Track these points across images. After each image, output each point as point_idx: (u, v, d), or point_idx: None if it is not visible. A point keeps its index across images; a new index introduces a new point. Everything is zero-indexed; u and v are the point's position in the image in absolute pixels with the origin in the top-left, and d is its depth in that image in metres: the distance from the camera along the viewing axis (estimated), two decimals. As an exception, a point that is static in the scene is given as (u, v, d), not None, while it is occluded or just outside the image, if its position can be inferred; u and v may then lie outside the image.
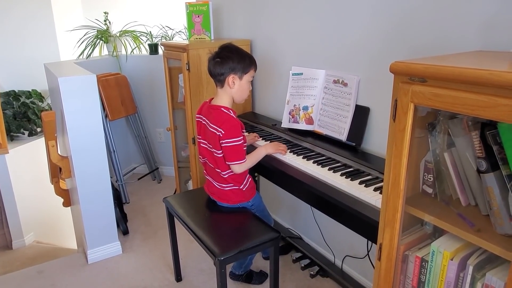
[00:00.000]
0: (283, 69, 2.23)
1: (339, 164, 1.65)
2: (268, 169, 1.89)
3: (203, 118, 1.71)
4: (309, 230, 2.33)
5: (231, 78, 1.63)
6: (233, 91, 1.67)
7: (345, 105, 1.80)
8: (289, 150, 1.82)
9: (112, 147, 2.92)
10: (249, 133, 2.12)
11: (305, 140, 1.92)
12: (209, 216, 1.76)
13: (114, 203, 2.45)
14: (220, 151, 1.63)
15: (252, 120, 2.34)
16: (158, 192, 3.21)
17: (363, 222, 1.39)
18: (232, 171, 1.68)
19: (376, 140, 1.70)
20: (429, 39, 1.40)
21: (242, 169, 1.65)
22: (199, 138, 1.76)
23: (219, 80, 1.65)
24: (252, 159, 1.71)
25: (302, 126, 2.01)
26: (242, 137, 1.62)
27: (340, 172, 1.55)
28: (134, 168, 3.56)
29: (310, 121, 1.98)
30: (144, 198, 3.12)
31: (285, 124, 2.09)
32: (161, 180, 3.43)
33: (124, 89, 3.10)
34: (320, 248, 2.26)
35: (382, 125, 1.67)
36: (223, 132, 1.58)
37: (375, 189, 1.39)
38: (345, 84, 1.79)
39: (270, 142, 1.94)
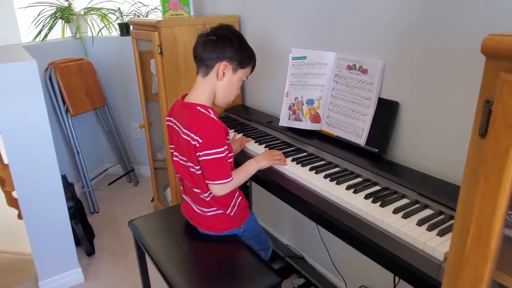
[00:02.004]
0: (280, 51, 1.78)
1: (359, 179, 1.23)
2: (265, 181, 1.46)
3: (175, 121, 1.27)
4: (314, 249, 1.92)
5: (222, 66, 1.19)
6: (219, 85, 1.22)
7: (363, 99, 1.36)
8: (290, 158, 1.39)
9: (75, 147, 2.45)
10: (235, 133, 1.68)
11: (309, 143, 1.49)
12: (187, 250, 1.33)
13: (74, 218, 2.01)
14: (198, 166, 1.19)
15: (242, 116, 1.90)
16: (134, 198, 2.77)
17: (394, 261, 0.98)
18: None
19: (408, 146, 1.28)
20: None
21: (226, 190, 1.22)
22: (172, 148, 1.31)
23: (205, 64, 1.20)
24: (240, 177, 1.28)
25: (306, 124, 1.57)
26: (226, 147, 1.18)
27: (363, 193, 1.13)
28: (107, 169, 3.10)
29: (316, 118, 1.55)
30: (117, 206, 2.67)
31: (284, 121, 1.65)
32: (138, 182, 2.98)
33: (90, 77, 2.61)
34: (327, 272, 1.85)
35: (418, 126, 1.24)
36: (200, 141, 1.14)
37: (420, 223, 0.97)
38: (364, 71, 1.35)
39: (266, 147, 1.50)
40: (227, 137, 1.23)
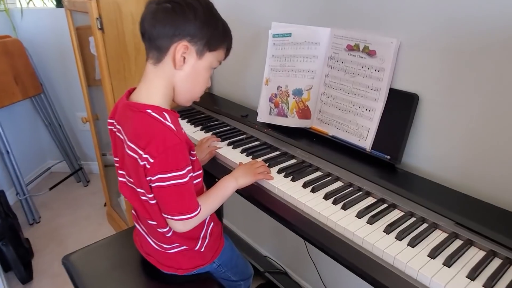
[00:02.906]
0: (256, 26, 1.41)
1: (370, 199, 0.93)
2: (242, 195, 1.13)
3: (118, 127, 0.90)
4: (300, 262, 1.63)
5: (181, 48, 0.80)
6: (179, 76, 0.85)
7: (370, 89, 1.05)
8: (276, 169, 1.06)
9: (4, 146, 1.99)
10: (203, 131, 1.32)
11: (297, 144, 1.17)
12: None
13: (2, 239, 1.60)
14: (151, 195, 0.84)
15: (210, 108, 1.53)
16: (84, 201, 2.36)
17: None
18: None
19: (431, 153, 0.98)
20: None
21: (192, 225, 0.88)
22: (117, 162, 0.94)
23: (156, 46, 0.82)
24: (212, 204, 0.93)
25: (293, 121, 1.24)
26: (189, 167, 0.83)
27: (381, 223, 0.83)
28: (49, 167, 2.64)
29: (305, 113, 1.22)
30: (63, 213, 2.25)
31: (264, 116, 1.31)
32: (88, 181, 2.56)
33: (19, 59, 2.12)
34: (316, 291, 1.58)
35: (444, 127, 0.95)
36: (151, 161, 0.78)
37: (472, 274, 0.69)
38: (372, 53, 1.03)
39: (244, 152, 1.16)
40: (192, 152, 0.88)
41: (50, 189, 2.40)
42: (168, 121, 0.81)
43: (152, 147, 0.77)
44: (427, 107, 0.97)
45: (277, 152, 1.17)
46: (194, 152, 0.88)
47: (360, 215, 0.86)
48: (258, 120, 1.31)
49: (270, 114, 1.28)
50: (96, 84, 1.81)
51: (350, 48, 1.08)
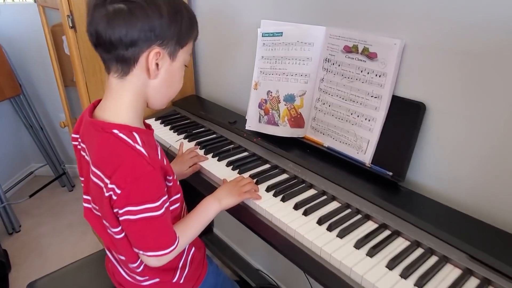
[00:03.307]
0: (245, 23, 1.29)
1: (370, 225, 0.81)
2: (231, 214, 1.01)
3: (83, 145, 0.77)
4: (294, 277, 1.52)
5: (153, 55, 0.67)
6: (153, 85, 0.72)
7: (370, 96, 0.93)
8: (265, 186, 0.94)
9: (-21, 151, 1.86)
10: (187, 139, 1.20)
11: (289, 156, 1.05)
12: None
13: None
14: (118, 228, 0.72)
15: (195, 112, 1.41)
16: (67, 208, 2.23)
17: None
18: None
19: (439, 170, 0.87)
20: None
21: (167, 259, 0.75)
22: (83, 182, 0.82)
23: (120, 58, 0.67)
24: (191, 231, 0.81)
25: (284, 131, 1.12)
26: (164, 198, 0.70)
27: (383, 256, 0.72)
28: (32, 171, 2.51)
29: (298, 121, 1.10)
30: (45, 221, 2.13)
31: (253, 124, 1.19)
32: (73, 186, 2.43)
33: (-5, 58, 1.99)
34: (311, 310, 1.47)
35: (455, 140, 0.83)
36: (118, 192, 0.66)
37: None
38: (372, 56, 0.91)
39: (230, 166, 1.04)
40: (168, 177, 0.76)
41: (30, 196, 2.27)
42: (138, 143, 0.68)
43: (119, 176, 0.65)
44: (435, 118, 0.85)
45: (267, 165, 1.05)
46: (171, 177, 0.76)
47: (358, 245, 0.75)
48: (246, 128, 1.19)
49: (259, 121, 1.16)
50: (75, 85, 1.69)
51: (348, 50, 0.96)
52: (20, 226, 2.06)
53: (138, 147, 0.68)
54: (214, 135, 1.24)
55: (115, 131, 0.69)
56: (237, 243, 1.81)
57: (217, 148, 1.14)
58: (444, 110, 0.83)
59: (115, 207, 0.68)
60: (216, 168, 1.05)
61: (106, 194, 0.66)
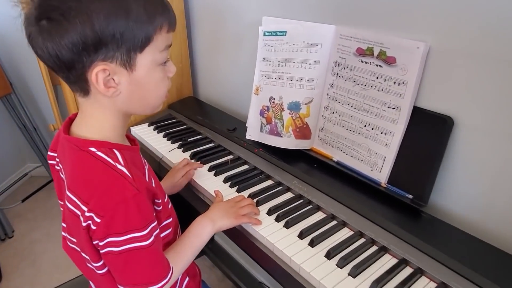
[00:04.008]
0: (244, 21, 1.17)
1: (389, 260, 0.70)
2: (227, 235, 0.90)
3: (60, 165, 0.66)
4: None
5: (98, 74, 0.54)
6: (121, 100, 0.59)
7: (387, 107, 0.81)
8: (266, 208, 0.83)
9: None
10: (181, 148, 1.09)
11: (294, 171, 0.94)
12: None
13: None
14: (99, 263, 0.61)
15: (191, 117, 1.29)
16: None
17: None
18: None
19: (470, 194, 0.75)
20: None
21: None
22: (62, 206, 0.71)
23: (69, 80, 0.57)
24: (185, 258, 0.70)
25: (288, 142, 1.00)
26: (153, 225, 0.59)
27: (406, 305, 0.61)
28: (28, 172, 2.43)
29: (304, 132, 0.98)
30: (39, 225, 2.04)
31: (254, 134, 1.07)
32: (70, 188, 2.34)
33: (-16, 55, 1.88)
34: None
35: (489, 161, 0.71)
36: (97, 221, 0.55)
37: None
38: (390, 60, 0.78)
39: (227, 182, 0.93)
40: (157, 200, 0.65)
41: (23, 201, 2.19)
42: (119, 162, 0.58)
43: (97, 202, 0.55)
44: (464, 134, 0.73)
45: (269, 182, 0.94)
46: (160, 201, 0.65)
47: (375, 286, 0.63)
48: (247, 138, 1.08)
49: (261, 131, 1.04)
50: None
51: (361, 53, 0.83)
52: (13, 231, 1.98)
53: (119, 166, 0.57)
54: (212, 144, 1.13)
55: (92, 149, 0.58)
56: (238, 253, 1.70)
57: (214, 159, 1.03)
58: (475, 126, 0.71)
59: (94, 239, 0.57)
60: (211, 184, 0.94)
61: (84, 224, 0.56)
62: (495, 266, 0.65)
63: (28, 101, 2.17)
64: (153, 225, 0.59)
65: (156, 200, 0.65)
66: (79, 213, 0.58)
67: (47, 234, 1.97)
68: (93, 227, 0.56)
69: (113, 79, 0.56)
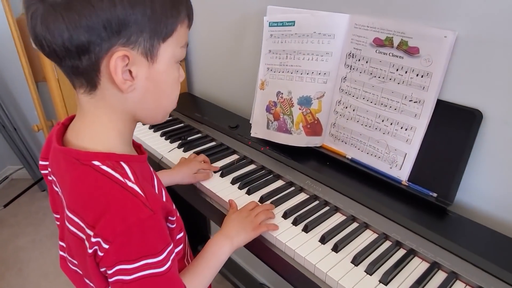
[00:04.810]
0: (247, 12, 1.10)
1: (419, 264, 0.66)
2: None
3: (54, 178, 0.58)
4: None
5: (117, 61, 0.46)
6: (132, 99, 0.51)
7: (408, 100, 0.76)
8: (281, 211, 0.77)
9: None
10: (182, 148, 1.02)
11: (305, 170, 0.89)
12: None
13: None
14: None
15: (189, 115, 1.22)
16: (48, 215, 2.04)
17: None
18: None
19: (500, 191, 0.71)
20: None
21: None
22: (57, 220, 0.62)
23: (76, 70, 0.47)
24: (203, 281, 0.63)
25: (299, 139, 0.95)
26: (169, 248, 0.52)
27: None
28: (7, 176, 2.30)
29: (315, 128, 0.93)
30: (23, 231, 1.94)
31: (259, 130, 1.01)
32: (54, 190, 2.23)
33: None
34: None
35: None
36: (105, 247, 0.47)
37: None
38: (412, 51, 0.73)
39: (236, 184, 0.86)
40: (171, 218, 0.57)
41: (5, 206, 2.07)
42: (129, 179, 0.50)
43: (105, 226, 0.47)
44: (494, 128, 0.69)
45: (280, 182, 0.88)
46: (174, 218, 0.58)
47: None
48: (252, 135, 1.02)
49: (268, 128, 0.99)
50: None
51: (379, 43, 0.78)
52: (-6, 238, 1.86)
53: (130, 184, 0.49)
54: (214, 143, 1.07)
55: (96, 162, 0.50)
56: (238, 254, 1.65)
57: (218, 159, 0.97)
58: (506, 120, 0.67)
59: (102, 266, 0.49)
60: (219, 186, 0.87)
61: (90, 251, 0.49)
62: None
63: (7, 99, 2.04)
64: (169, 248, 0.52)
65: (170, 218, 0.58)
66: (83, 236, 0.50)
67: (32, 241, 1.86)
68: (100, 253, 0.48)
69: (130, 71, 0.48)
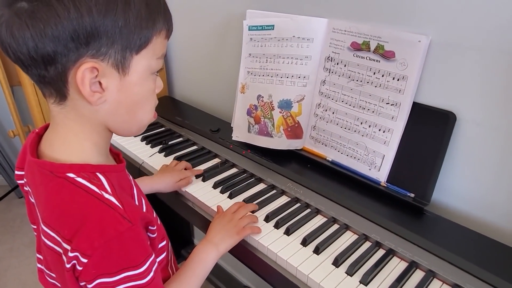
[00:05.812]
0: (228, 16, 1.10)
1: (398, 263, 0.67)
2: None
3: (29, 189, 0.56)
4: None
5: (84, 73, 0.44)
6: (104, 110, 0.50)
7: (385, 103, 0.78)
8: (264, 214, 0.78)
9: None
10: (163, 153, 1.01)
11: (287, 173, 0.89)
12: None
13: None
14: None
15: (170, 119, 1.21)
16: (26, 222, 1.98)
17: None
18: None
19: (474, 190, 0.74)
20: None
21: None
22: (35, 230, 0.61)
23: (43, 80, 0.46)
24: None
25: (280, 142, 0.95)
26: (151, 259, 0.51)
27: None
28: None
29: (296, 131, 0.94)
30: (0, 240, 1.88)
31: (240, 134, 1.02)
32: (32, 197, 2.18)
33: None
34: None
35: (493, 157, 0.69)
36: (83, 261, 0.46)
37: None
38: (388, 54, 0.75)
39: (219, 188, 0.86)
40: (151, 228, 0.56)
41: (-20, 214, 2.01)
42: (106, 190, 0.49)
43: (82, 240, 0.46)
44: (467, 130, 0.71)
45: (262, 186, 0.89)
46: (154, 227, 0.57)
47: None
48: (233, 139, 1.02)
49: (249, 131, 0.99)
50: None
51: (356, 47, 0.80)
52: (-31, 248, 1.80)
53: (106, 195, 0.48)
54: (195, 147, 1.06)
55: (71, 174, 0.49)
56: (222, 257, 1.64)
57: (200, 164, 0.97)
58: (478, 121, 0.69)
59: (82, 280, 0.48)
60: (201, 191, 0.87)
61: (68, 265, 0.47)
62: (509, 264, 0.64)
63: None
64: (151, 259, 0.51)
65: (150, 228, 0.57)
66: (60, 251, 0.49)
67: (9, 250, 1.81)
68: (79, 268, 0.47)
69: (100, 83, 0.47)
